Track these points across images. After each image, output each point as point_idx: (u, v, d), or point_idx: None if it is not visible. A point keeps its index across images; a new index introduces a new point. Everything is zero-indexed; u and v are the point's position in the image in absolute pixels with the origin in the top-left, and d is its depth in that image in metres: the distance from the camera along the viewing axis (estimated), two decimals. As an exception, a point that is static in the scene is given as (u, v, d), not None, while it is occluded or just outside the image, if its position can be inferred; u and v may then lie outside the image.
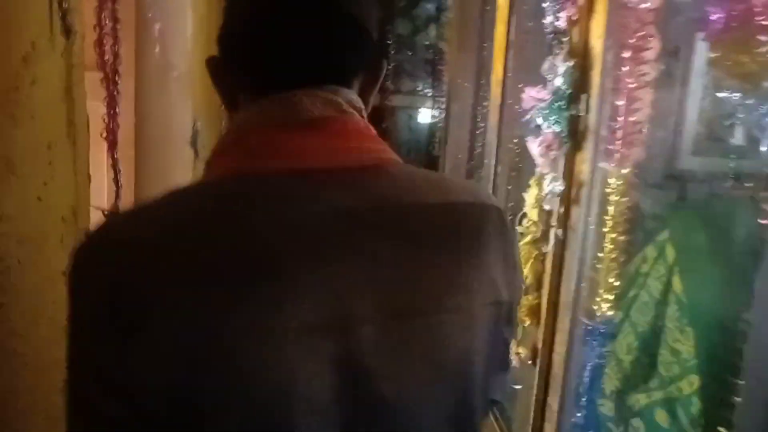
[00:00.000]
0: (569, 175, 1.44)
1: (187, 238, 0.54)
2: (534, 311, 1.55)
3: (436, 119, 3.97)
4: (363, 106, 0.67)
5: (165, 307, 0.51)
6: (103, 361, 0.52)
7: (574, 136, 1.42)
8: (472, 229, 0.65)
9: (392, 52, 3.92)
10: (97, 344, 0.53)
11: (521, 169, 1.96)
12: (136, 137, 2.20)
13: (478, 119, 2.68)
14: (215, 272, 0.52)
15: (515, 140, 2.05)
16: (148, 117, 2.28)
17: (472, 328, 0.63)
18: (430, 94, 3.98)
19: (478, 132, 2.67)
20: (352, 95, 0.66)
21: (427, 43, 3.97)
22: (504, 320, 0.69)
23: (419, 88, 4.03)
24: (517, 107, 1.86)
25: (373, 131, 0.66)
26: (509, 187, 2.13)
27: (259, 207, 0.56)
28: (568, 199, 1.46)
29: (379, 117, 3.96)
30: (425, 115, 4.05)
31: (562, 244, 1.48)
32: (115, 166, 1.38)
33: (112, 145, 1.20)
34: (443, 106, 3.97)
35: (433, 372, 0.60)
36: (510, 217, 2.10)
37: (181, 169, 2.32)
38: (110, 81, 1.10)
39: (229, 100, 0.69)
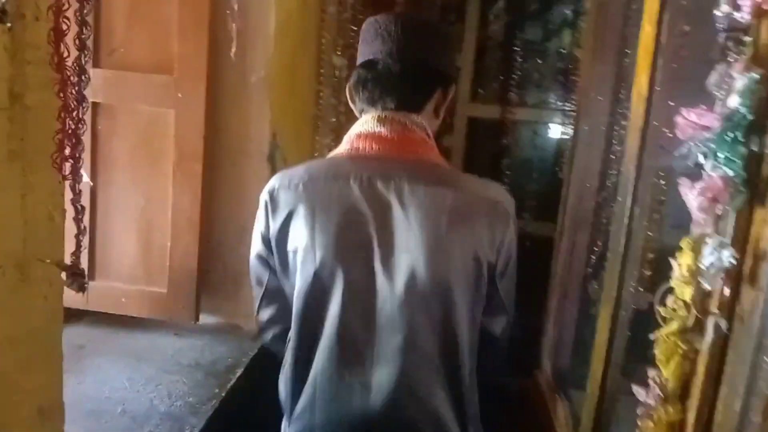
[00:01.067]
0: (743, 241, 0.97)
1: (308, 178, 1.16)
2: (674, 429, 1.08)
3: (565, 137, 3.46)
4: (426, 125, 1.22)
5: (285, 206, 1.16)
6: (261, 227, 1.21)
7: (755, 184, 0.95)
8: (466, 207, 1.15)
9: (518, 59, 3.47)
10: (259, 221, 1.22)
11: (666, 217, 1.48)
12: (205, 150, 1.95)
13: (614, 142, 2.17)
14: (313, 197, 1.15)
15: (661, 174, 1.56)
16: (221, 127, 2.03)
17: (450, 264, 1.13)
18: (559, 109, 3.49)
19: (612, 158, 2.17)
20: (416, 118, 1.20)
21: (560, 50, 3.48)
22: (487, 277, 1.17)
23: (548, 101, 3.54)
24: (666, 132, 1.39)
25: (430, 142, 1.22)
26: (650, 234, 1.64)
27: (350, 170, 1.15)
28: (739, 276, 0.98)
29: (498, 132, 3.53)
30: (553, 132, 3.56)
31: (724, 341, 1.01)
32: (76, 202, 1.05)
33: (73, 172, 0.89)
34: (573, 123, 3.46)
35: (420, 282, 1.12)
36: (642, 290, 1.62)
37: (257, 186, 2.03)
38: (67, 83, 0.79)
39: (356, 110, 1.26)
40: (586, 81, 2.77)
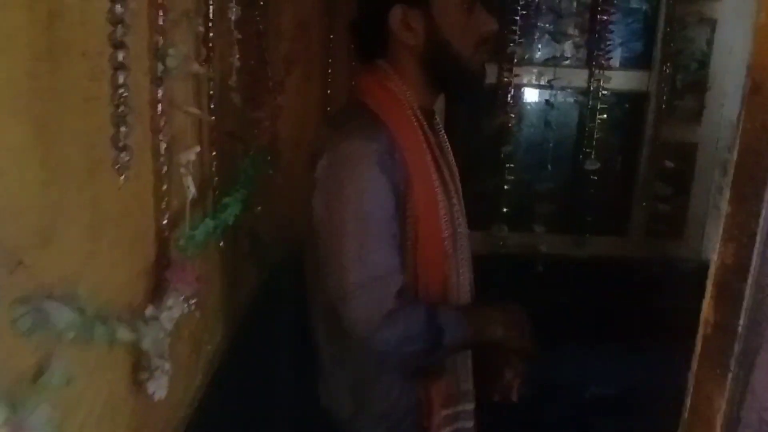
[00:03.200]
0: None
1: None
2: None
3: (594, 110, 2.32)
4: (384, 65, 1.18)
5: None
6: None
7: None
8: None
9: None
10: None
11: None
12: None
13: None
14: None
15: None
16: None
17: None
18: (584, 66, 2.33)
19: None
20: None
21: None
22: None
23: (567, 55, 2.36)
24: None
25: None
26: None
27: None
28: None
29: (494, 104, 2.37)
30: (576, 103, 2.41)
31: None
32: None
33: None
34: (605, 90, 2.31)
35: None
36: None
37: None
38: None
39: None
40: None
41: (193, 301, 0.97)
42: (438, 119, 1.26)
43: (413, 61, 1.13)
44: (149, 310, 0.88)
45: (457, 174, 1.26)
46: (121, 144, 0.82)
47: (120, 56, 0.81)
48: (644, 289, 2.34)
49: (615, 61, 2.37)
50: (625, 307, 2.34)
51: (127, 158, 0.83)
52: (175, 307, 0.91)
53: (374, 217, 1.04)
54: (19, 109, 0.69)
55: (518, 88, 2.37)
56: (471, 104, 1.27)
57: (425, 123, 1.13)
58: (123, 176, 0.85)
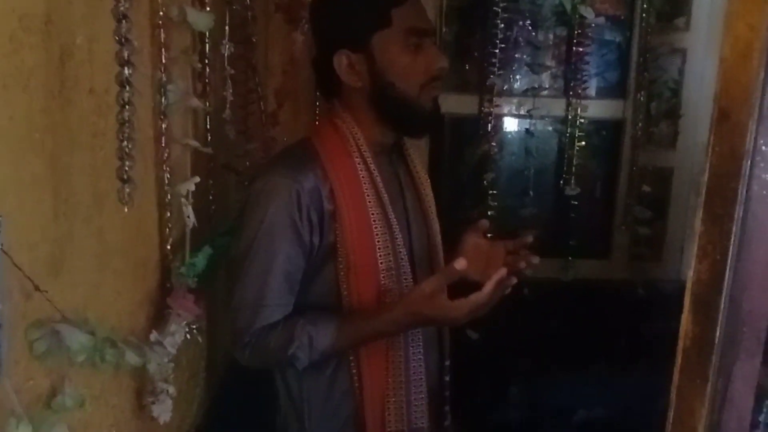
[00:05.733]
0: None
1: None
2: None
3: (573, 137, 2.40)
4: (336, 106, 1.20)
5: None
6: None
7: None
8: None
9: (501, 27, 2.36)
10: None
11: None
12: None
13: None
14: None
15: None
16: None
17: None
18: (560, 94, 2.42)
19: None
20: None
21: (558, 10, 2.40)
22: None
23: (545, 86, 2.45)
24: None
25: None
26: None
27: None
28: None
29: (477, 134, 2.44)
30: (555, 131, 2.49)
31: None
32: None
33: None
34: (582, 118, 2.40)
35: None
36: None
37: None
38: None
39: None
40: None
41: (194, 327, 0.99)
42: (410, 153, 1.28)
43: (362, 101, 1.16)
44: (153, 336, 0.91)
45: (429, 204, 1.28)
46: (125, 176, 0.86)
47: (126, 95, 0.85)
48: (628, 310, 2.39)
49: (591, 91, 2.46)
50: (611, 329, 2.38)
51: (131, 190, 0.86)
52: (177, 333, 0.94)
53: (263, 251, 1.09)
54: (35, 145, 0.73)
55: (499, 117, 2.44)
56: (428, 137, 1.27)
57: (372, 159, 1.15)
58: (126, 207, 0.88)
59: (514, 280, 1.08)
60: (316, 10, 1.21)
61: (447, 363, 1.28)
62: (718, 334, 0.73)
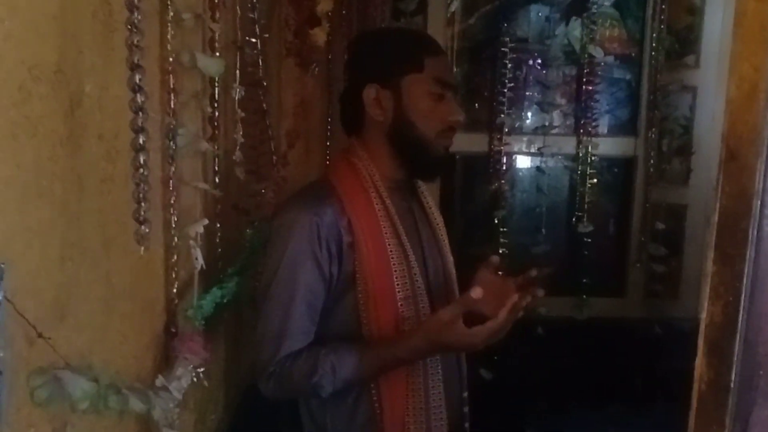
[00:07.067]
0: None
1: None
2: None
3: (584, 175, 2.39)
4: (356, 144, 1.26)
5: None
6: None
7: None
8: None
9: (508, 66, 2.38)
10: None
11: None
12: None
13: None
14: None
15: None
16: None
17: None
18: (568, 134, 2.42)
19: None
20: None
21: (567, 49, 2.43)
22: None
23: (555, 124, 2.46)
24: None
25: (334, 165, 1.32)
26: None
27: None
28: None
29: (487, 172, 2.45)
30: (567, 169, 2.49)
31: None
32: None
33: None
34: (593, 156, 2.40)
35: None
36: None
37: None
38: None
39: None
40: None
41: (201, 371, 0.99)
42: (423, 190, 1.34)
43: (381, 136, 1.22)
44: (159, 380, 0.90)
45: (443, 237, 1.34)
46: (141, 218, 0.87)
47: (141, 139, 0.86)
48: (645, 349, 2.34)
49: (602, 128, 2.46)
50: (627, 368, 2.34)
51: (147, 230, 0.87)
52: (183, 377, 0.93)
53: (285, 282, 1.14)
54: (42, 191, 0.74)
55: (509, 155, 2.45)
56: (432, 179, 1.33)
57: (386, 193, 1.22)
58: (143, 248, 0.89)
59: (529, 299, 1.11)
60: (356, 45, 1.33)
61: (465, 395, 1.31)
62: (733, 378, 0.71)
